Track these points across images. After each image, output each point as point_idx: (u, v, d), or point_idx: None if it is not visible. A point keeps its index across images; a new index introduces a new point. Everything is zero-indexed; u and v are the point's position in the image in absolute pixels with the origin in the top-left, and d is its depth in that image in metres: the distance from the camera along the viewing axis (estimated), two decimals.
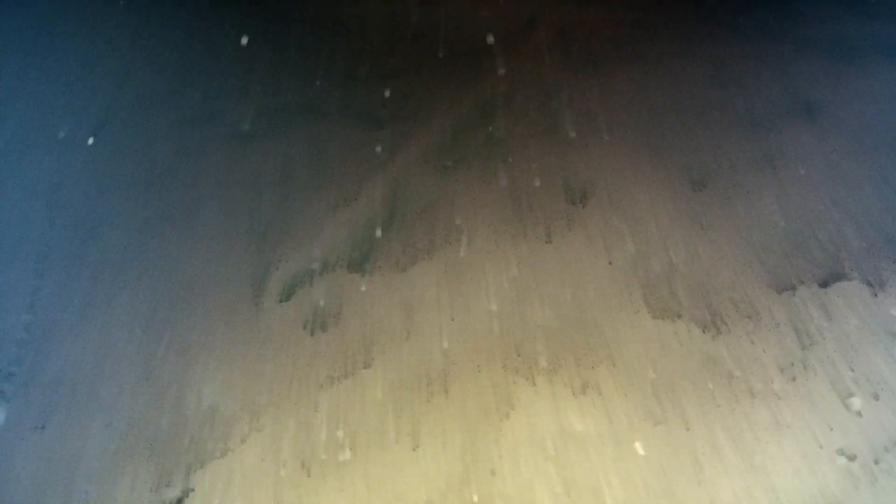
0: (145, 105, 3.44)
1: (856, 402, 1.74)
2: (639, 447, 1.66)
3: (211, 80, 3.64)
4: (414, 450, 1.71)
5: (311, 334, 2.01)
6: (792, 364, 1.72)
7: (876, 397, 1.77)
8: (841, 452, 1.68)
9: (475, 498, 1.64)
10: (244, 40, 3.80)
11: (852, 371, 1.81)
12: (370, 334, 1.94)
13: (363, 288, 2.13)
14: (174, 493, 1.72)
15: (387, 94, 3.38)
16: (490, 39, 3.85)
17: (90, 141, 3.21)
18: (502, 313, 1.93)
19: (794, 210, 2.23)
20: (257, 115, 3.35)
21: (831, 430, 1.71)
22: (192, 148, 3.08)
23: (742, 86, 3.04)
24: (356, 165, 2.79)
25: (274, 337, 2.02)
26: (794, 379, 1.68)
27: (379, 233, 2.32)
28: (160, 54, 4.08)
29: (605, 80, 3.27)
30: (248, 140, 3.13)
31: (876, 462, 1.69)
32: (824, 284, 1.87)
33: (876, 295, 1.95)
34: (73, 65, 3.98)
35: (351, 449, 1.71)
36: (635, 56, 3.52)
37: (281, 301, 2.15)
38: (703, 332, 1.83)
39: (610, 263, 2.01)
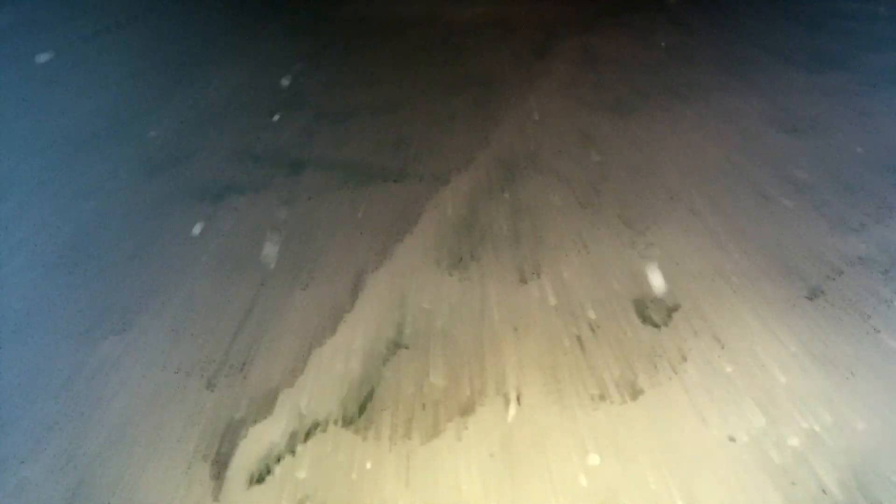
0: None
1: None
2: None
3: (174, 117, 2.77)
4: None
5: None
6: None
7: None
8: None
9: None
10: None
11: None
12: None
13: (368, 465, 1.36)
14: None
15: (387, 141, 2.55)
16: (508, 71, 3.00)
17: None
18: None
19: None
20: (228, 161, 2.50)
21: None
22: (136, 209, 2.22)
23: (823, 134, 2.29)
24: (349, 248, 2.00)
25: None
26: None
27: (385, 368, 1.54)
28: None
29: (648, 121, 2.50)
30: (210, 202, 2.30)
31: None
32: None
33: None
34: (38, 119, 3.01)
35: None
36: (678, 89, 2.75)
37: (251, 485, 1.37)
38: None
39: (731, 440, 1.25)
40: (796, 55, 2.93)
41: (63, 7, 4.66)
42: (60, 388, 1.57)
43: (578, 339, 1.54)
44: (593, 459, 1.27)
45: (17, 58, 3.78)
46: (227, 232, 2.09)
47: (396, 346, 1.61)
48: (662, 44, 2.95)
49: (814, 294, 1.61)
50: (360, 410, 1.48)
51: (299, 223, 2.09)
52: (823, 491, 1.25)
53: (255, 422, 1.47)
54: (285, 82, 3.15)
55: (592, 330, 1.56)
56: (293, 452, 1.42)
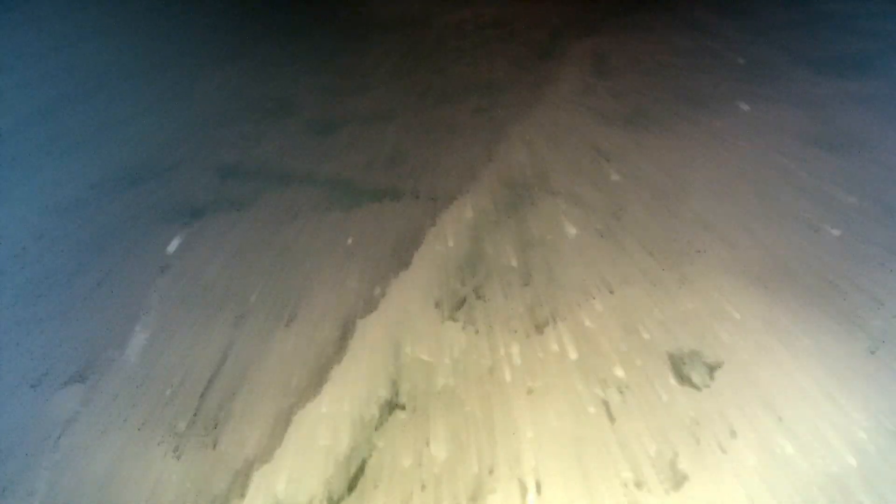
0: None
1: None
2: None
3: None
4: None
5: None
6: None
7: None
8: None
9: None
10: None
11: None
12: None
13: None
14: None
15: (380, 154, 2.28)
16: (511, 77, 2.68)
17: None
18: None
19: None
20: (213, 173, 2.22)
21: None
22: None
23: (861, 149, 2.04)
24: (337, 283, 1.73)
25: None
26: None
27: (378, 436, 1.29)
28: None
29: (670, 135, 2.23)
30: (189, 221, 2.04)
31: None
32: None
33: None
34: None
35: None
36: (699, 97, 2.48)
37: None
38: None
39: None
40: (821, 58, 2.67)
41: (63, 7, 4.38)
42: (10, 450, 1.32)
43: (605, 404, 1.29)
44: None
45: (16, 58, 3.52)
46: (205, 257, 1.83)
47: (391, 407, 1.36)
48: (741, 60, 2.63)
49: (875, 345, 1.35)
50: (348, 489, 1.23)
51: (284, 249, 1.83)
52: None
53: None
54: (274, 90, 2.88)
55: (621, 392, 1.30)
56: None
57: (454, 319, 1.52)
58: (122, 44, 3.67)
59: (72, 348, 1.59)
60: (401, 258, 1.72)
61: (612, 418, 1.27)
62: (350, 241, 1.89)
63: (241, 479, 1.26)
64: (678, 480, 1.14)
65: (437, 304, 1.56)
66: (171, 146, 2.46)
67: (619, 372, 1.36)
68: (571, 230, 1.77)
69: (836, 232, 1.69)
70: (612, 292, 1.54)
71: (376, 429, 1.32)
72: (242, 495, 1.24)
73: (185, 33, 3.83)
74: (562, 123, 2.28)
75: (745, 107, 2.30)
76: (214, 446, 1.34)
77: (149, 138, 2.52)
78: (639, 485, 1.14)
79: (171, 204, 2.10)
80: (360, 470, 1.26)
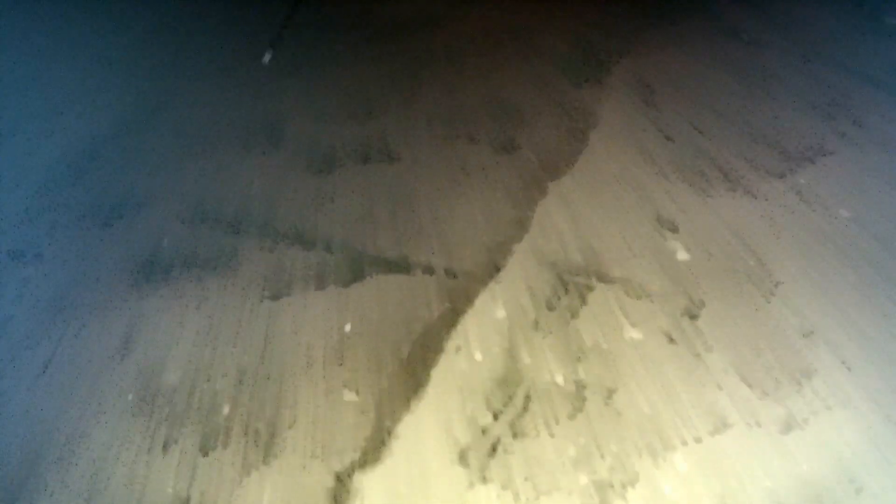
0: None
1: None
2: None
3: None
4: None
5: None
6: None
7: None
8: None
9: None
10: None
11: None
12: None
13: None
14: None
15: (382, 206, 1.88)
16: (537, 105, 2.27)
17: None
18: None
19: None
20: (182, 220, 1.84)
21: None
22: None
23: None
24: (329, 406, 1.36)
25: None
26: None
27: None
28: None
29: (746, 197, 1.83)
30: (144, 292, 1.67)
31: None
32: None
33: None
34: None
35: None
36: (777, 139, 2.07)
37: None
38: None
39: None
40: (887, 77, 2.24)
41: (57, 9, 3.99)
42: None
43: None
44: None
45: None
46: (170, 337, 1.46)
47: None
48: (804, 84, 2.23)
49: None
50: None
51: (265, 335, 1.46)
52: None
53: None
54: (260, 106, 2.48)
55: None
56: None
57: (485, 479, 1.14)
58: (100, 52, 3.28)
59: None
60: (414, 375, 1.34)
61: None
62: (349, 328, 1.51)
63: None
64: None
65: (462, 455, 1.18)
66: (142, 181, 2.09)
67: None
68: (634, 334, 1.38)
69: None
70: (698, 440, 1.15)
71: None
72: None
73: (173, 42, 3.44)
74: (608, 175, 1.88)
75: (825, 151, 1.89)
76: None
77: (118, 169, 2.15)
78: None
79: (134, 258, 1.74)
80: None
